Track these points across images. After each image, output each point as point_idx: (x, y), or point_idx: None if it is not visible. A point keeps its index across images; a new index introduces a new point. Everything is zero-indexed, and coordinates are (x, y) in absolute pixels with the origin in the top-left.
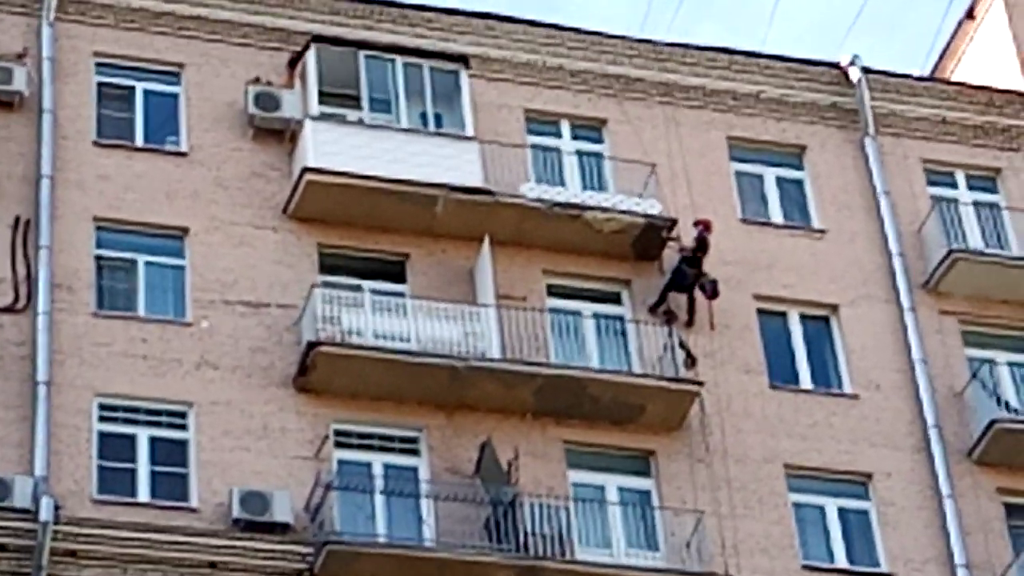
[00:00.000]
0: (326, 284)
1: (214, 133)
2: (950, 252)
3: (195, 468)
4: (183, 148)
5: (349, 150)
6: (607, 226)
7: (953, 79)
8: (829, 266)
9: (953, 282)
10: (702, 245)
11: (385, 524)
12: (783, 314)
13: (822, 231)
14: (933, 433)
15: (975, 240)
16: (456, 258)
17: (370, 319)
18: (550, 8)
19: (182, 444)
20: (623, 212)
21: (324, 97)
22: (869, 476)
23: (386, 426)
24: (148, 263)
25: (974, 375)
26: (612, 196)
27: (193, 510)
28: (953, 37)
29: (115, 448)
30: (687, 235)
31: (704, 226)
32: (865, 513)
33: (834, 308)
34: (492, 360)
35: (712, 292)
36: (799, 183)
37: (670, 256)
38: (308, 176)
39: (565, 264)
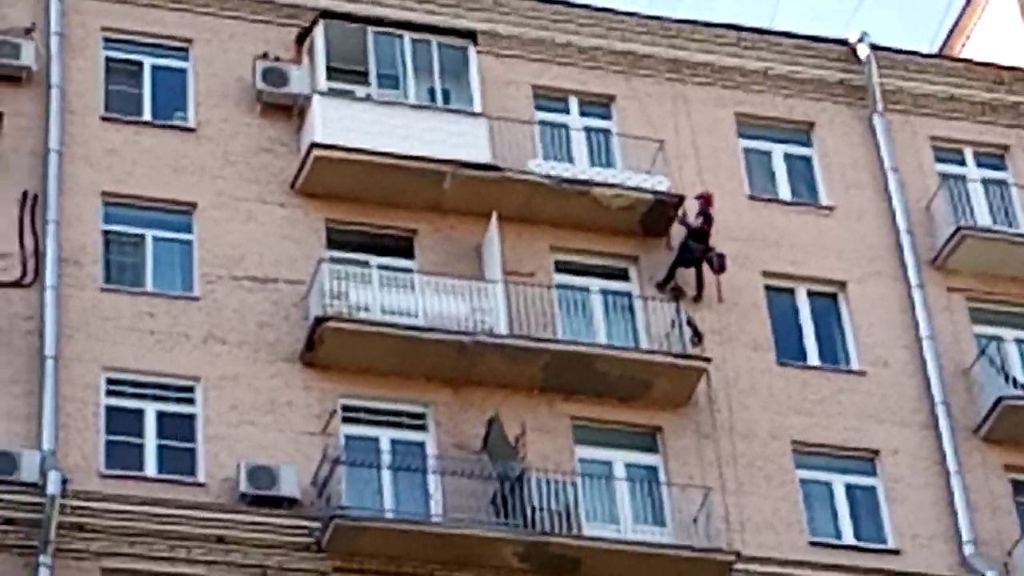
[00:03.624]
0: (333, 260)
1: (222, 108)
2: (958, 229)
3: (202, 443)
4: (191, 123)
5: (357, 126)
6: (615, 202)
7: (962, 56)
8: (837, 243)
9: (961, 259)
10: (706, 219)
11: (392, 499)
12: (791, 291)
13: (830, 208)
14: (940, 410)
15: (983, 217)
16: (464, 234)
17: (377, 295)
18: None
19: (189, 419)
20: (631, 188)
21: (332, 73)
22: (876, 453)
23: (393, 401)
24: (156, 238)
25: (982, 352)
26: (620, 172)
27: (200, 484)
28: (962, 14)
29: (122, 422)
30: (692, 211)
31: (705, 200)
32: (872, 490)
33: (842, 285)
34: (499, 336)
35: (720, 266)
36: (807, 160)
37: (678, 232)
38: (316, 152)
39: (573, 240)
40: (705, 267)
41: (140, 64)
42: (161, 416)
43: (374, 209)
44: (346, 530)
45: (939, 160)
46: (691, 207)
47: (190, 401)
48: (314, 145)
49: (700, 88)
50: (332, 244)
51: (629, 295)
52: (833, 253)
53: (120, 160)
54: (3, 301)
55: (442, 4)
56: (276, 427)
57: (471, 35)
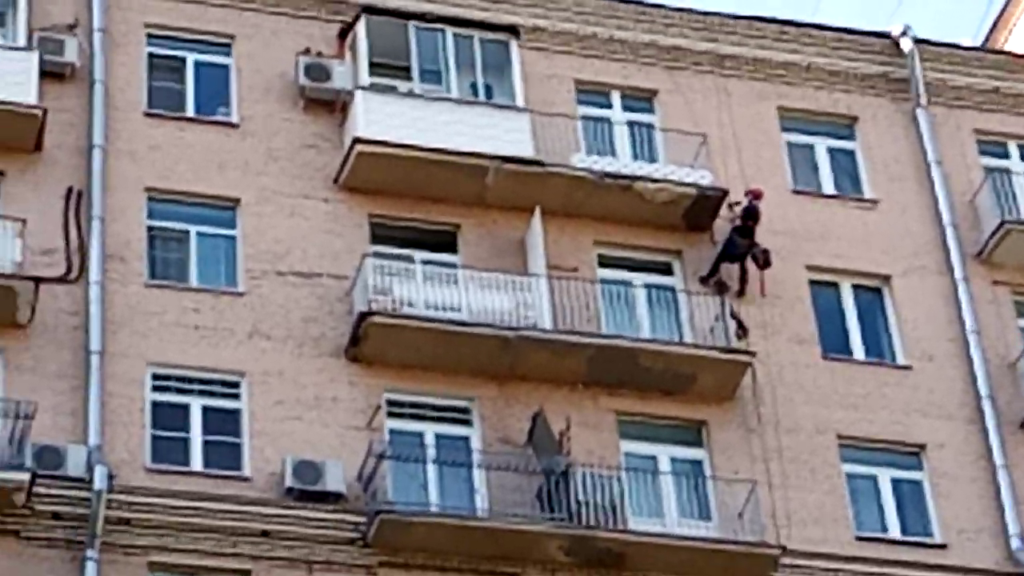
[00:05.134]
0: (377, 254)
1: (265, 104)
2: (1003, 223)
3: (248, 437)
4: (234, 119)
5: (399, 121)
6: (658, 196)
7: (1005, 48)
8: (881, 237)
9: (1006, 252)
10: (753, 215)
11: (437, 494)
12: (835, 284)
13: (874, 201)
14: (986, 403)
15: None
16: (507, 228)
17: (421, 289)
18: None
19: (235, 413)
20: (674, 183)
21: (374, 68)
22: (922, 447)
23: (438, 396)
24: (200, 234)
25: None
26: (663, 167)
27: (246, 479)
28: (1006, 6)
29: (168, 417)
30: (739, 205)
31: (754, 195)
32: (918, 483)
33: (886, 279)
34: (543, 331)
35: (764, 262)
36: (850, 153)
37: (721, 226)
38: (359, 147)
39: (616, 235)
40: (749, 262)
41: (183, 60)
42: (206, 411)
43: (417, 204)
44: (392, 525)
45: (983, 153)
46: (739, 202)
47: (235, 396)
48: (357, 140)
49: (743, 82)
50: (376, 239)
51: (673, 289)
52: (877, 247)
53: (164, 156)
54: (48, 297)
55: None
56: (321, 422)
57: (513, 30)
